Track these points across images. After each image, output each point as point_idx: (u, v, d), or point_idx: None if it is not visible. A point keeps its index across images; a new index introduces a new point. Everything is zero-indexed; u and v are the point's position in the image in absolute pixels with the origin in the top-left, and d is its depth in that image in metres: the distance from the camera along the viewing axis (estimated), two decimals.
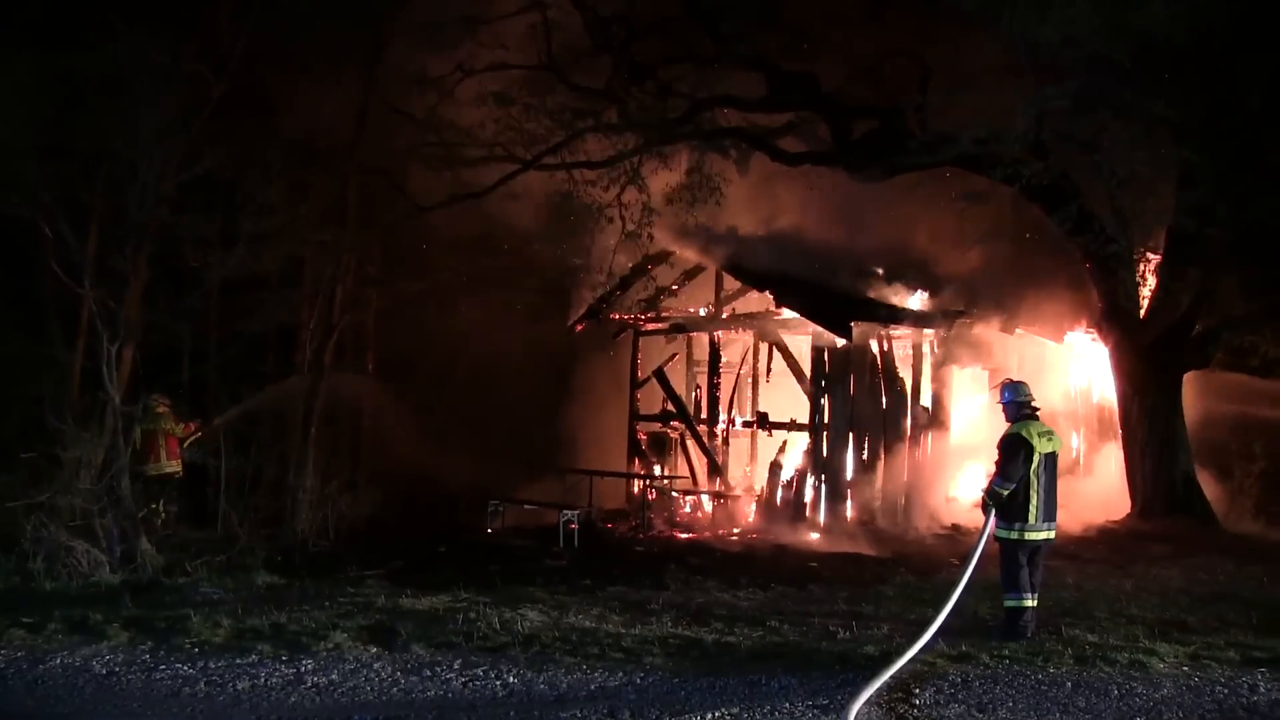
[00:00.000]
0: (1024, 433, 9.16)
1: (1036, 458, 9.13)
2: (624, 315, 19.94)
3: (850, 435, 17.13)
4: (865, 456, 17.18)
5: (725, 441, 19.06)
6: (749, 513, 17.63)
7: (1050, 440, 9.25)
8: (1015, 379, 9.88)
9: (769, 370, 19.38)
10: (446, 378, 19.57)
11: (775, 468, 17.61)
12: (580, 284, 19.37)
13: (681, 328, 19.68)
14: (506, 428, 19.54)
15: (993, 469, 9.30)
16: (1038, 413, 9.50)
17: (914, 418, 17.61)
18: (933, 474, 17.63)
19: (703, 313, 19.58)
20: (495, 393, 19.79)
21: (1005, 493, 9.11)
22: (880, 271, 18.12)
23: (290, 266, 16.17)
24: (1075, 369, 20.41)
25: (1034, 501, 9.13)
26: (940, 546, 15.51)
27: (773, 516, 17.07)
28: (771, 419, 18.51)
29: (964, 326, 17.88)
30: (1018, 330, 18.49)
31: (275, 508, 13.72)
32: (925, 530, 16.54)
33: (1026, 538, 9.18)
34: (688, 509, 18.54)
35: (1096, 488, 18.48)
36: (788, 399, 19.04)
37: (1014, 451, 9.16)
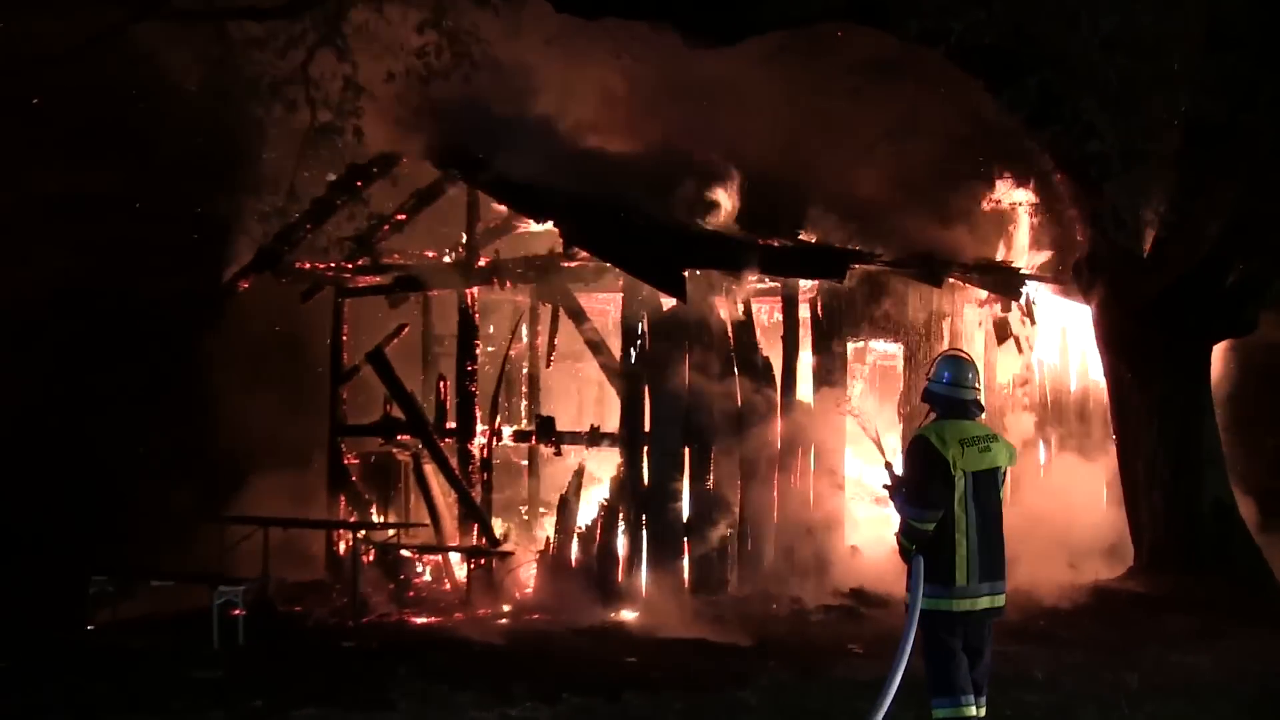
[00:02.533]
0: (934, 437, 9.31)
1: (961, 479, 9.24)
2: (319, 264, 19.85)
3: (687, 451, 17.20)
4: (711, 485, 17.27)
5: (487, 466, 18.94)
6: (527, 579, 17.73)
7: (987, 452, 9.37)
8: (956, 353, 10.03)
9: (551, 350, 19.57)
10: (20, 369, 18.72)
11: (568, 506, 17.57)
12: (245, 213, 18.94)
13: (414, 283, 19.65)
14: (127, 450, 19.28)
15: (902, 492, 9.51)
16: (977, 409, 9.61)
17: (788, 421, 17.73)
18: (821, 509, 17.80)
19: (448, 259, 19.59)
20: (107, 393, 19.36)
21: (928, 528, 9.22)
22: (731, 194, 18.17)
23: None
24: (1041, 341, 20.98)
25: (962, 549, 9.21)
26: (833, 625, 15.67)
27: (565, 584, 17.03)
28: (561, 428, 18.56)
29: (863, 276, 18.10)
30: (948, 280, 18.89)
31: None
32: (810, 600, 16.68)
33: (954, 608, 9.25)
34: (428, 576, 18.58)
35: (1079, 526, 18.97)
36: (587, 396, 19.45)
37: (923, 465, 9.32)
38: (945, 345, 18.93)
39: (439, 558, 18.51)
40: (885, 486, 9.47)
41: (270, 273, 19.68)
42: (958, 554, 9.18)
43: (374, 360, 19.44)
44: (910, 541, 9.28)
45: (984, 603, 9.28)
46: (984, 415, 9.67)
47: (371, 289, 19.95)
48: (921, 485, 9.27)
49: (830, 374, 18.16)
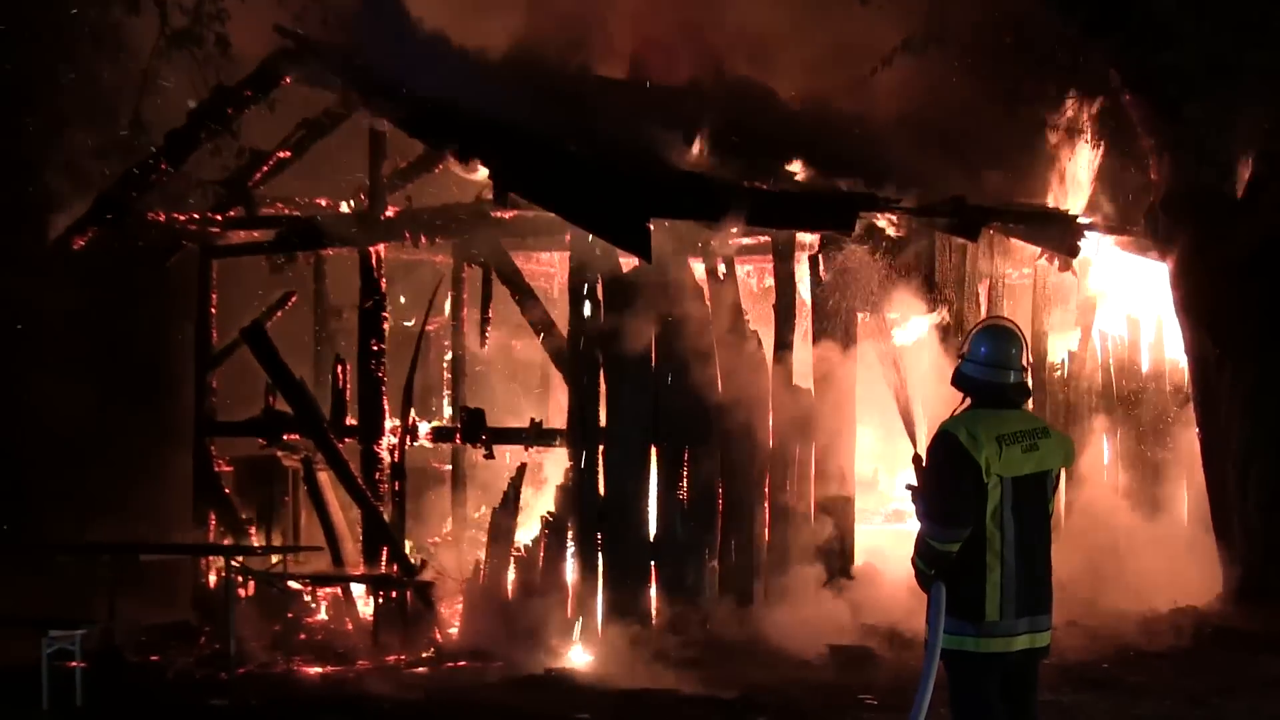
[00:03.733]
0: (962, 434, 9.08)
1: (996, 487, 9.06)
2: (178, 215, 19.69)
3: (654, 452, 17.33)
4: (686, 494, 17.32)
5: (399, 473, 18.84)
6: (451, 616, 17.83)
7: (1034, 451, 9.19)
8: (998, 322, 9.84)
9: (484, 325, 19.48)
10: None
11: (502, 523, 17.57)
12: (78, 150, 19.00)
13: (302, 240, 19.61)
14: None
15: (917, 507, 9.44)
16: (1022, 395, 9.46)
17: (783, 412, 17.83)
18: (826, 524, 17.80)
19: (347, 208, 19.77)
20: None
21: (949, 551, 9.07)
22: (708, 124, 18.34)
23: None
24: (1105, 309, 21.06)
25: (994, 575, 9.05)
26: (841, 670, 15.68)
27: (499, 622, 17.02)
28: (494, 422, 18.66)
29: (877, 228, 18.11)
30: (986, 232, 18.89)
31: None
32: (812, 639, 16.53)
33: (984, 649, 9.08)
34: (323, 615, 18.68)
35: (1154, 543, 18.95)
36: (527, 383, 19.76)
37: (946, 470, 9.14)
38: (983, 314, 18.88)
39: (337, 590, 18.43)
40: (910, 489, 9.34)
41: (114, 226, 19.45)
42: (989, 581, 8.98)
43: (251, 339, 19.24)
44: (928, 565, 9.15)
45: (1022, 642, 9.08)
46: (1030, 402, 9.51)
47: (247, 247, 19.91)
48: (943, 495, 9.05)
49: (835, 352, 18.05)
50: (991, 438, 8.96)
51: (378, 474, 18.65)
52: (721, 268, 17.76)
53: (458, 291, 20.27)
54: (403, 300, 20.12)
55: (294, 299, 20.15)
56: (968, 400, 9.33)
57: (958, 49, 19.44)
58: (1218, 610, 17.42)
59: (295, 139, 19.39)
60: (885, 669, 15.24)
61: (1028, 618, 9.04)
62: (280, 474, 19.69)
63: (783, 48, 19.48)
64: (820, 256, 18.17)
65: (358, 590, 18.34)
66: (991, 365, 9.21)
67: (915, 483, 9.30)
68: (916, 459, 9.33)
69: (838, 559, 17.86)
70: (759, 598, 17.34)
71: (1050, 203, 20.08)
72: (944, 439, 9.05)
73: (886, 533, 18.92)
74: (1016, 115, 19.78)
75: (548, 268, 20.72)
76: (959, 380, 9.35)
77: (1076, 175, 20.27)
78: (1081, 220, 19.92)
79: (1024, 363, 9.35)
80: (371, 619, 17.83)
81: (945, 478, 9.05)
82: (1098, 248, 20.26)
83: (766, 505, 17.56)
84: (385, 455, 18.71)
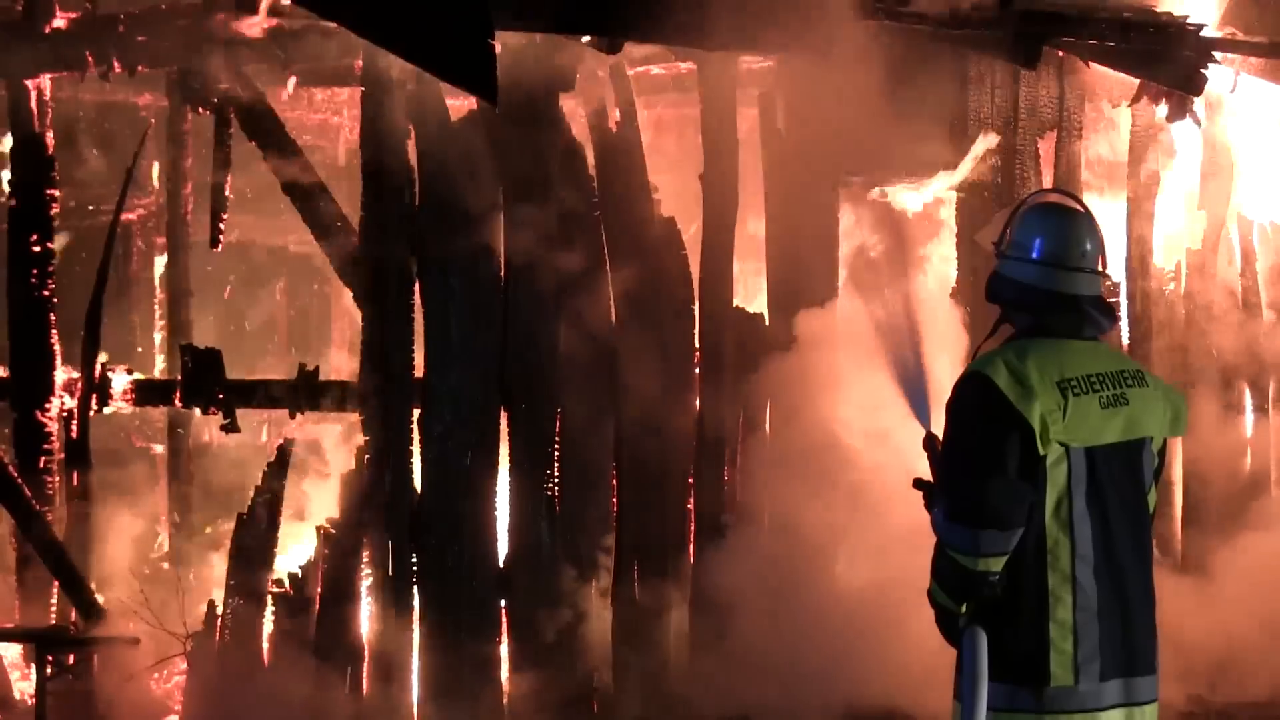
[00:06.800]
0: (1002, 376, 9.24)
1: (1060, 462, 9.20)
2: None
3: (504, 420, 17.46)
4: (557, 488, 17.49)
5: (78, 456, 19.09)
6: (168, 696, 18.08)
7: (1121, 407, 9.35)
8: (1056, 199, 9.90)
9: (219, 211, 19.31)
10: None
11: (253, 539, 17.30)
12: None
13: None
14: None
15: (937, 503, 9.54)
16: (1102, 318, 9.57)
17: (720, 354, 17.98)
18: (796, 542, 17.42)
19: None
20: None
21: (987, 572, 9.13)
22: None
23: None
24: (1248, 181, 20.97)
25: (1064, 612, 9.16)
26: None
27: (246, 702, 16.83)
28: (236, 372, 18.90)
29: (874, 45, 17.88)
30: (1053, 52, 18.82)
31: None
32: None
33: None
34: None
35: None
36: (302, 308, 20.58)
37: (975, 437, 9.26)
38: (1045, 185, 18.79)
39: None
40: (918, 485, 9.21)
41: None
42: (1053, 620, 9.02)
43: None
44: (954, 598, 9.20)
45: (1109, 716, 9.07)
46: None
47: None
48: (971, 478, 8.97)
49: (809, 252, 17.82)
50: (1050, 382, 9.13)
51: (43, 460, 18.57)
52: (615, 114, 17.43)
53: (176, 154, 20.07)
54: (84, 168, 19.53)
55: None
56: (1005, 327, 9.37)
57: None
58: None
59: None
60: None
61: (1119, 681, 9.07)
62: None
63: None
64: (779, 95, 18.01)
65: (10, 654, 18.03)
66: (1052, 264, 9.30)
67: (929, 476, 9.19)
68: (930, 441, 9.24)
69: (822, 597, 17.43)
70: (685, 659, 17.08)
71: (1158, 6, 19.76)
72: (972, 386, 9.20)
73: (903, 543, 18.55)
74: None
75: (329, 115, 20.62)
76: (997, 289, 9.52)
77: None
78: (1208, 35, 19.62)
79: (1103, 263, 9.30)
80: (34, 700, 17.40)
81: (976, 448, 9.05)
82: (1234, 80, 19.98)
83: (693, 504, 17.29)
84: (55, 428, 18.56)
